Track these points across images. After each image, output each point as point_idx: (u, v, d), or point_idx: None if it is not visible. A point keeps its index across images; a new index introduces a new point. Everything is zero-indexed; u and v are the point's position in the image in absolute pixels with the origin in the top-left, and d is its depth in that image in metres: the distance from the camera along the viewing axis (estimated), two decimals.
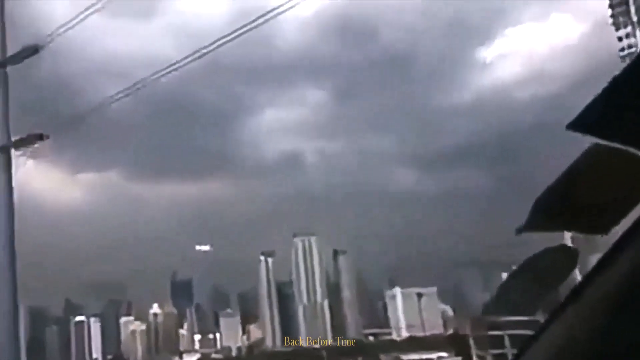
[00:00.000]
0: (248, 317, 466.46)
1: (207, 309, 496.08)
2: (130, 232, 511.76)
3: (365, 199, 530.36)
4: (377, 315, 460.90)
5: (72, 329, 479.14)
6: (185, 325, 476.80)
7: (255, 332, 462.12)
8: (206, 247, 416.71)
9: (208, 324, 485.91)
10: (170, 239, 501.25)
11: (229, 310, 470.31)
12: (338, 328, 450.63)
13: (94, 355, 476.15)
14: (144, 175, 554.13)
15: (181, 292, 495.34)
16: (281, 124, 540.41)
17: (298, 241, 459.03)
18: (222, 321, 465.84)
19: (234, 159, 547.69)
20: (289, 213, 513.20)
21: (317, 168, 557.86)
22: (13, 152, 49.28)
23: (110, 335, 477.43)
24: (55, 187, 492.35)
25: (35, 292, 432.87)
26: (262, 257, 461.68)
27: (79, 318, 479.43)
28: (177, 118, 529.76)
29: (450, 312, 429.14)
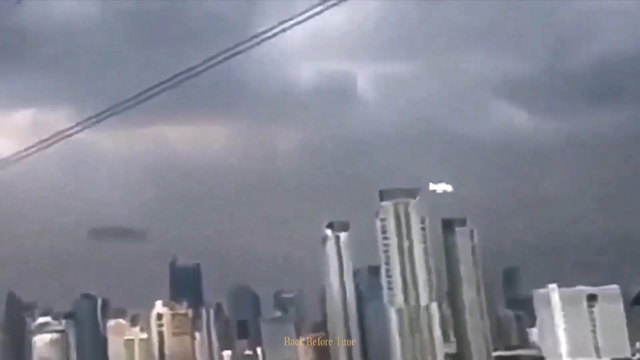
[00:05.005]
0: (306, 324, 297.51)
1: (232, 311, 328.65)
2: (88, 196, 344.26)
3: (465, 146, 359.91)
4: (515, 329, 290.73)
5: (33, 337, 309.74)
6: (199, 335, 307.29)
7: (318, 349, 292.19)
8: (447, 187, 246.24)
9: (234, 333, 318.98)
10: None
11: (277, 314, 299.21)
12: (453, 347, 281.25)
13: None
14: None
15: (184, 283, 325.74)
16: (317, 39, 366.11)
17: (388, 206, 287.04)
18: (266, 330, 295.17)
19: (249, 92, 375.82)
20: (351, 168, 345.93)
21: (376, 99, 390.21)
22: None
23: (90, 347, 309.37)
24: None
25: None
26: (328, 232, 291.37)
27: (42, 319, 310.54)
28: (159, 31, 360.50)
29: None
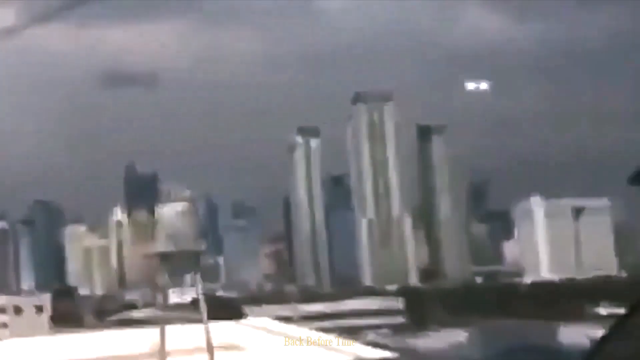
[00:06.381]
0: (271, 236, 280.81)
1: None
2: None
3: (437, 52, 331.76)
4: (492, 244, 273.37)
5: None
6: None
7: (280, 260, 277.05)
8: (484, 85, 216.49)
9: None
10: None
11: (239, 222, 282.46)
12: (427, 262, 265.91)
13: (26, 285, 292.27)
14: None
15: (142, 192, 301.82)
16: None
17: (361, 109, 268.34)
18: (229, 240, 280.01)
19: None
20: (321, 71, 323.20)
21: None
22: None
23: (49, 254, 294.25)
24: None
25: None
26: (299, 138, 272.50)
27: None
28: None
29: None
